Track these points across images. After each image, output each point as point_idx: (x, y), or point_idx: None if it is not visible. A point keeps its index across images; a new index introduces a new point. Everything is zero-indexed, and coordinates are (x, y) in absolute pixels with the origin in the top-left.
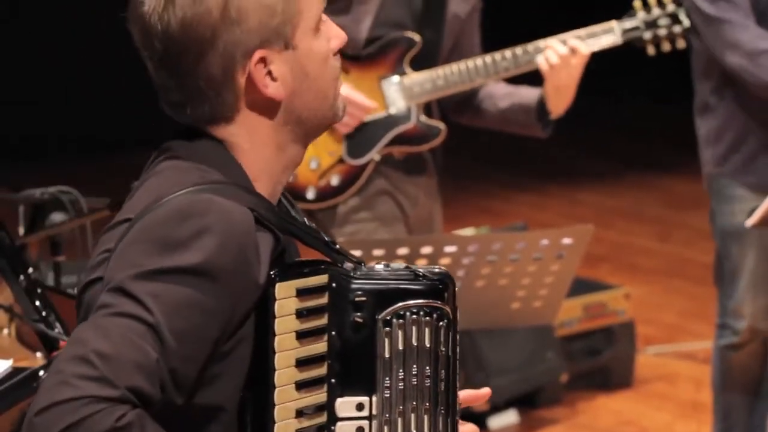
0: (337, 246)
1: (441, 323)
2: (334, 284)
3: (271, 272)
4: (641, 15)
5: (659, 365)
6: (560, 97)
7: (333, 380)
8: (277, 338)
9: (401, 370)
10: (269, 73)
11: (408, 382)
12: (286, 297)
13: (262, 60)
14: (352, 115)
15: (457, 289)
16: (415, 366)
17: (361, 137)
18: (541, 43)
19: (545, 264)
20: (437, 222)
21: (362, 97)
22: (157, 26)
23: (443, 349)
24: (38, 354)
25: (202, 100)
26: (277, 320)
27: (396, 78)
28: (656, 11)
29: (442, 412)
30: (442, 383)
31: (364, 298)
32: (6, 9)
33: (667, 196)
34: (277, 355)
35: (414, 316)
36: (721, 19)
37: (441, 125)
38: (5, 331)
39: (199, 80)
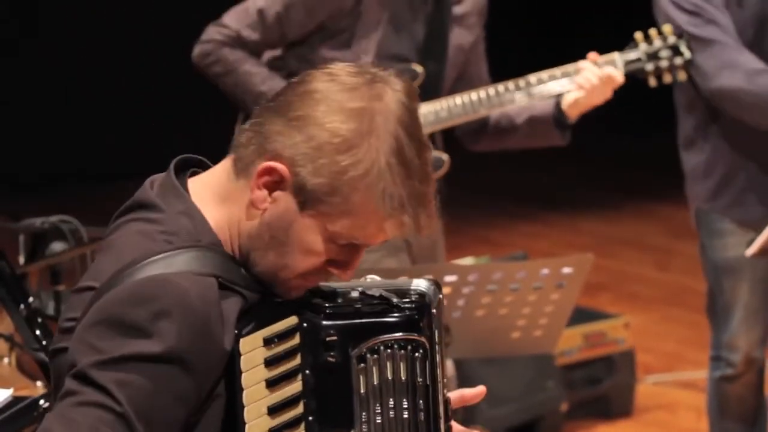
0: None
1: (417, 354)
2: (305, 324)
3: (236, 330)
4: (643, 47)
5: (659, 394)
6: (583, 108)
7: (310, 418)
8: (245, 392)
9: (378, 405)
10: (273, 188)
11: (386, 415)
12: (252, 350)
13: (280, 175)
14: None
15: (456, 317)
16: (392, 400)
17: None
18: (544, 74)
19: (545, 293)
20: (440, 251)
21: None
22: (308, 75)
23: (420, 379)
24: (38, 383)
25: (247, 141)
26: (243, 375)
27: None
28: (657, 43)
29: None
30: (422, 413)
31: (335, 337)
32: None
33: (667, 225)
34: (246, 409)
35: (388, 350)
36: (714, 40)
37: (444, 156)
38: (5, 360)
39: (260, 126)
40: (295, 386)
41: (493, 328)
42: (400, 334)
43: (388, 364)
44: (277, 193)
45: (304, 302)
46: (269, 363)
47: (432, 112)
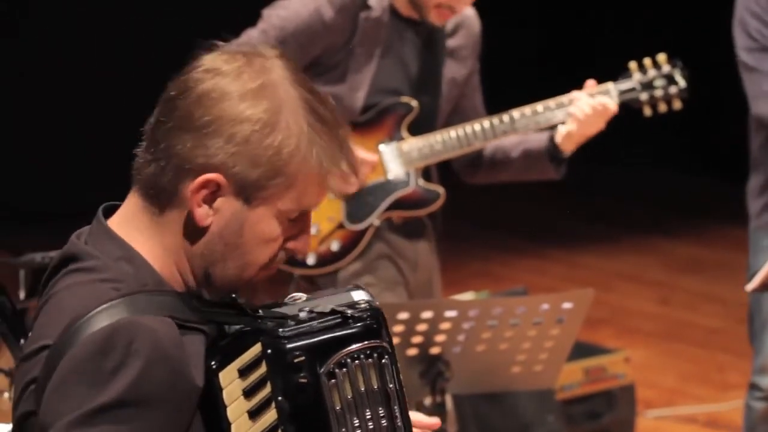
0: (259, 311)
1: (383, 360)
2: (269, 350)
3: (212, 363)
4: (637, 76)
5: (660, 429)
6: (577, 140)
7: None
8: (233, 426)
9: (356, 419)
10: (212, 199)
11: (365, 427)
12: (230, 382)
13: (216, 184)
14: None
15: (457, 353)
16: (368, 411)
17: (360, 202)
18: (539, 106)
19: (546, 328)
20: (436, 285)
21: (364, 153)
22: (186, 81)
23: (391, 385)
24: None
25: (159, 171)
26: (228, 409)
27: (394, 143)
28: (652, 72)
29: None
30: (398, 419)
31: (302, 358)
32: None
33: (667, 260)
34: None
35: (356, 362)
36: (756, 69)
37: (440, 189)
38: (6, 395)
39: (168, 150)
40: (271, 415)
41: (494, 363)
42: (364, 342)
43: (359, 375)
44: (217, 203)
45: (261, 330)
46: (247, 394)
47: (427, 145)
